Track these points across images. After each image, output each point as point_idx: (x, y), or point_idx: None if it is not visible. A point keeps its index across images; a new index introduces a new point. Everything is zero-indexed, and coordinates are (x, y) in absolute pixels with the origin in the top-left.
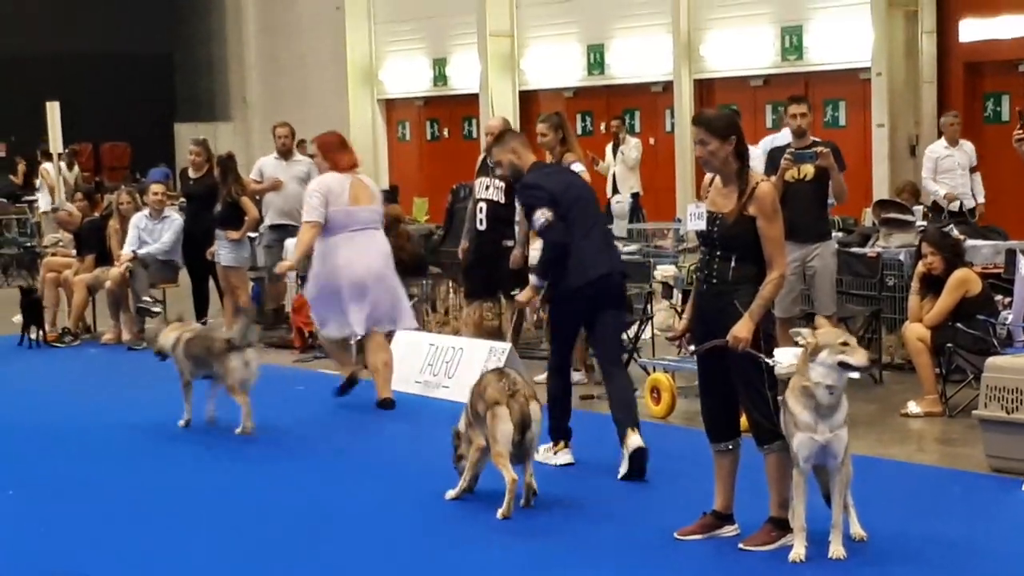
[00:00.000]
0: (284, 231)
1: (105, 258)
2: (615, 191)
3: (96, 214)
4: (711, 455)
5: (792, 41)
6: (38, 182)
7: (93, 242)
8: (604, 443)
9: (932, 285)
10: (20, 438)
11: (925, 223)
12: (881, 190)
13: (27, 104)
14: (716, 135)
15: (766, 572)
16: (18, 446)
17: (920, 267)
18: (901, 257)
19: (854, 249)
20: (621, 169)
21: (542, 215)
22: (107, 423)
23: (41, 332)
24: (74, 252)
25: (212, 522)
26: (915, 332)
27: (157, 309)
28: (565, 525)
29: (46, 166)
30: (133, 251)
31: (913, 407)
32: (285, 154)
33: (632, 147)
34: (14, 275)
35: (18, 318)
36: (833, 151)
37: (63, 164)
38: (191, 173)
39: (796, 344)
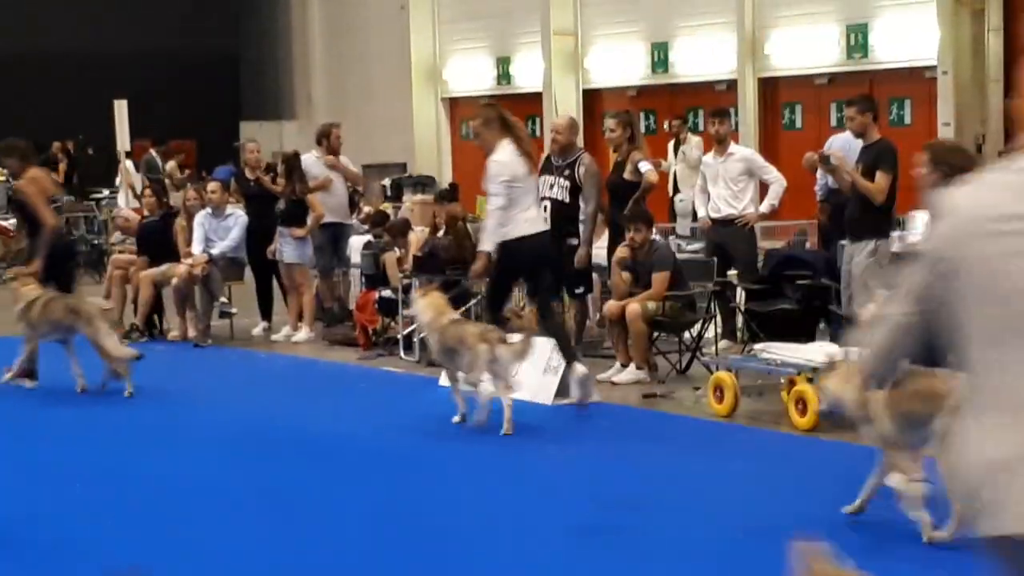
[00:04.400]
0: (334, 230)
1: (166, 256)
2: (676, 190)
3: (159, 211)
4: (772, 452)
5: (857, 39)
6: (118, 180)
7: (148, 243)
8: (670, 442)
9: None
10: (88, 433)
11: None
12: None
13: (95, 102)
14: None
15: None
16: (83, 440)
17: None
18: None
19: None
20: (682, 168)
21: None
22: (176, 421)
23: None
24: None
25: (274, 519)
26: None
27: (234, 310)
28: (627, 522)
29: (126, 164)
30: (208, 253)
31: None
32: (335, 154)
33: (694, 146)
34: (82, 273)
35: None
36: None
37: (159, 160)
38: (248, 173)
39: None
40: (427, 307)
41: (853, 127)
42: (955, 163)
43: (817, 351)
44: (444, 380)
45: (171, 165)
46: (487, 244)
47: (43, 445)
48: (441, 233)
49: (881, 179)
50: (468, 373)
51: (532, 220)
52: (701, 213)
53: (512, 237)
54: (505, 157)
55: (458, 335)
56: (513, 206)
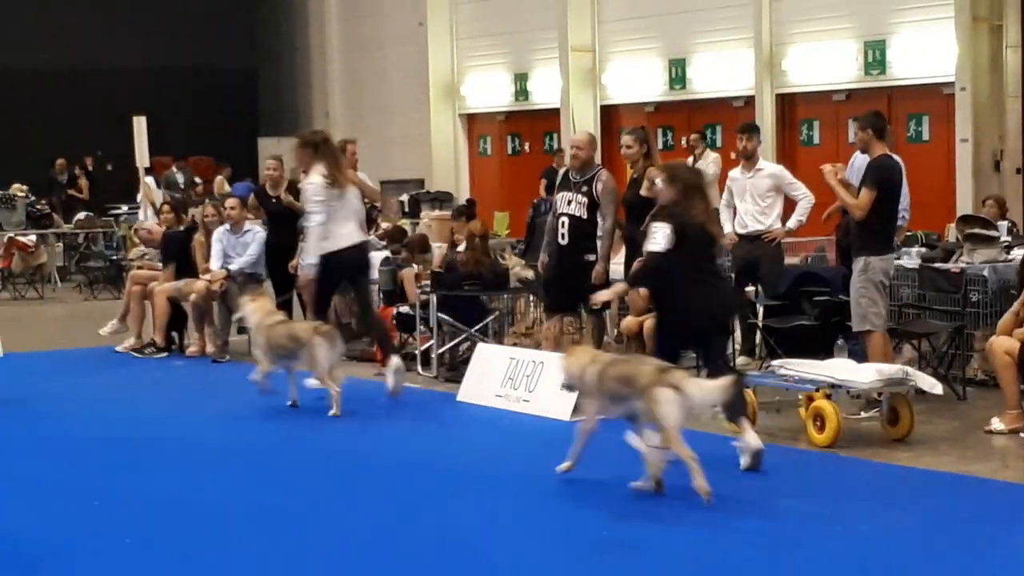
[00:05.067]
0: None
1: (188, 269)
2: None
3: (180, 227)
4: (790, 468)
5: (875, 55)
6: (139, 196)
7: (174, 251)
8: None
9: None
10: (106, 449)
11: (1010, 239)
12: (965, 205)
13: (114, 119)
14: None
15: None
16: (103, 457)
17: None
18: (985, 273)
19: (937, 264)
20: None
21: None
22: (191, 435)
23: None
24: (159, 264)
25: (291, 536)
26: (1003, 345)
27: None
28: (645, 537)
29: (146, 180)
30: (227, 269)
31: (997, 424)
32: (351, 170)
33: (710, 162)
34: (100, 288)
35: (106, 329)
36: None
37: (179, 176)
38: (269, 190)
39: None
40: (256, 310)
41: (856, 143)
42: (688, 180)
43: (835, 367)
44: (313, 382)
45: (219, 180)
46: (311, 257)
47: (54, 461)
48: (461, 248)
49: (863, 195)
50: (310, 367)
51: (349, 234)
52: (727, 229)
53: (332, 250)
54: (315, 179)
55: (289, 332)
56: (331, 222)
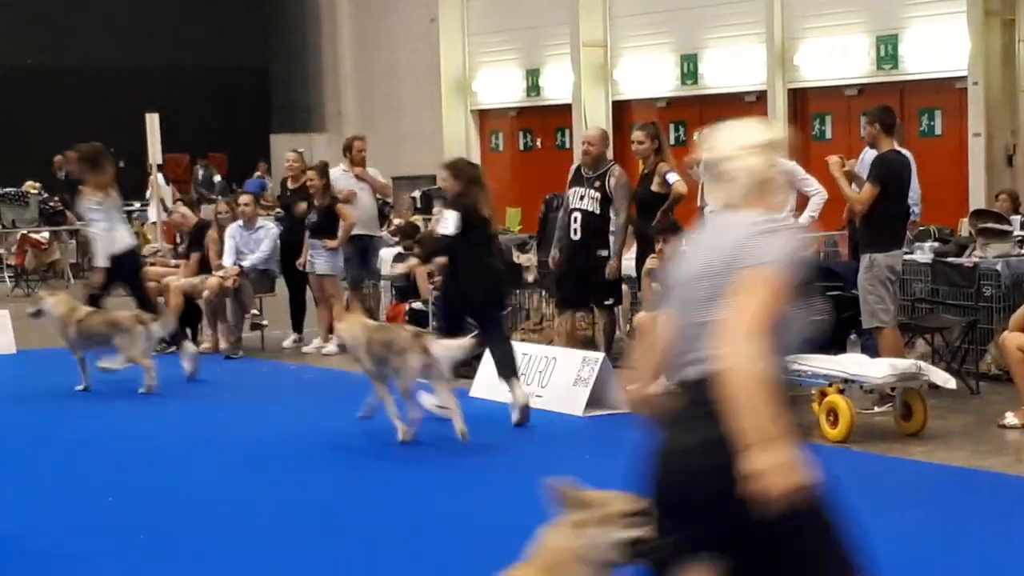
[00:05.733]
0: (361, 242)
1: (202, 266)
2: (703, 202)
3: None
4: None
5: (887, 50)
6: (148, 193)
7: (200, 243)
8: None
9: None
10: (120, 446)
11: (1023, 233)
12: (977, 200)
13: (127, 116)
14: None
15: None
16: (116, 454)
17: None
18: (998, 267)
19: (950, 259)
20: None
21: None
22: (204, 432)
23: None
24: (172, 261)
25: (306, 530)
26: (1015, 341)
27: (265, 322)
28: None
29: (157, 177)
30: (240, 265)
31: (1010, 418)
32: (358, 166)
33: None
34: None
35: None
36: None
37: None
38: (289, 184)
39: None
40: (58, 304)
41: (865, 138)
42: (470, 174)
43: (848, 362)
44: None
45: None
46: (101, 260)
47: (67, 458)
48: None
49: (865, 190)
50: (127, 352)
51: (124, 236)
52: None
53: (117, 251)
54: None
55: (108, 321)
56: (112, 227)
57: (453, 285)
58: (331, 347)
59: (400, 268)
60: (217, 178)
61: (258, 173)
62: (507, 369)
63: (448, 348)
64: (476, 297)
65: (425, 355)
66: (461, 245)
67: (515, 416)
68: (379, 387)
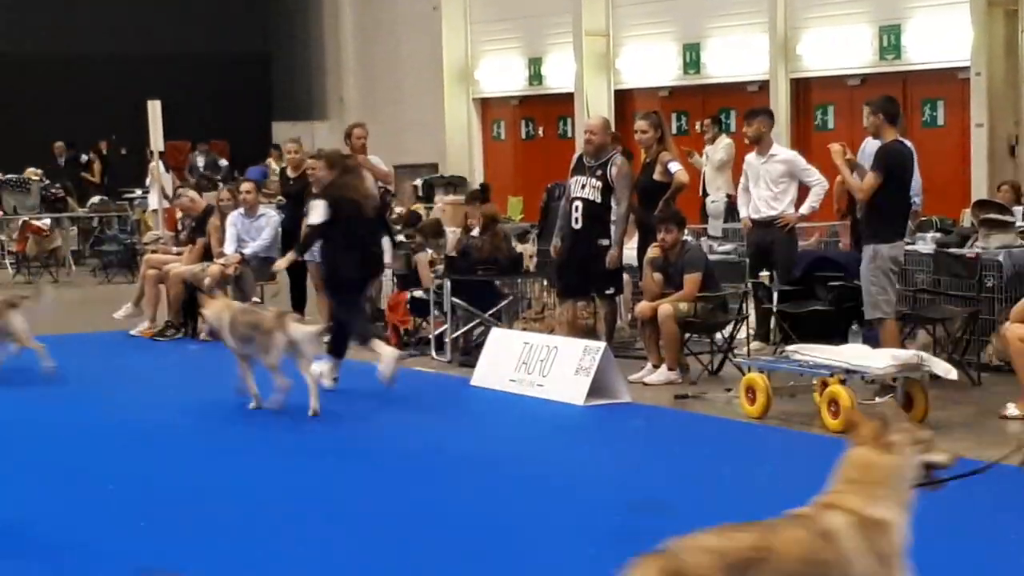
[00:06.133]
0: None
1: (203, 254)
2: (705, 192)
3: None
4: (804, 453)
5: (890, 40)
6: (148, 180)
7: (207, 228)
8: (701, 444)
9: None
10: (120, 433)
11: None
12: (980, 190)
13: (128, 103)
14: None
15: None
16: (117, 441)
17: None
18: (1000, 258)
19: (952, 250)
20: (710, 169)
21: None
22: (205, 419)
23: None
24: (174, 248)
25: (309, 520)
26: (1017, 332)
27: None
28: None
29: (158, 164)
30: (241, 253)
31: (1012, 409)
32: (357, 154)
33: (719, 149)
34: (114, 272)
35: (120, 313)
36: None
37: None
38: (290, 172)
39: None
40: None
41: (868, 128)
42: (343, 164)
43: (850, 352)
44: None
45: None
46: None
47: (68, 446)
48: (476, 232)
49: (868, 178)
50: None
51: None
52: (743, 213)
53: None
54: None
55: None
56: None
57: (329, 268)
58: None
59: (279, 265)
60: (223, 162)
61: (270, 160)
62: (363, 338)
63: (305, 331)
64: (351, 276)
65: (287, 334)
66: (332, 230)
67: (386, 371)
68: (242, 364)
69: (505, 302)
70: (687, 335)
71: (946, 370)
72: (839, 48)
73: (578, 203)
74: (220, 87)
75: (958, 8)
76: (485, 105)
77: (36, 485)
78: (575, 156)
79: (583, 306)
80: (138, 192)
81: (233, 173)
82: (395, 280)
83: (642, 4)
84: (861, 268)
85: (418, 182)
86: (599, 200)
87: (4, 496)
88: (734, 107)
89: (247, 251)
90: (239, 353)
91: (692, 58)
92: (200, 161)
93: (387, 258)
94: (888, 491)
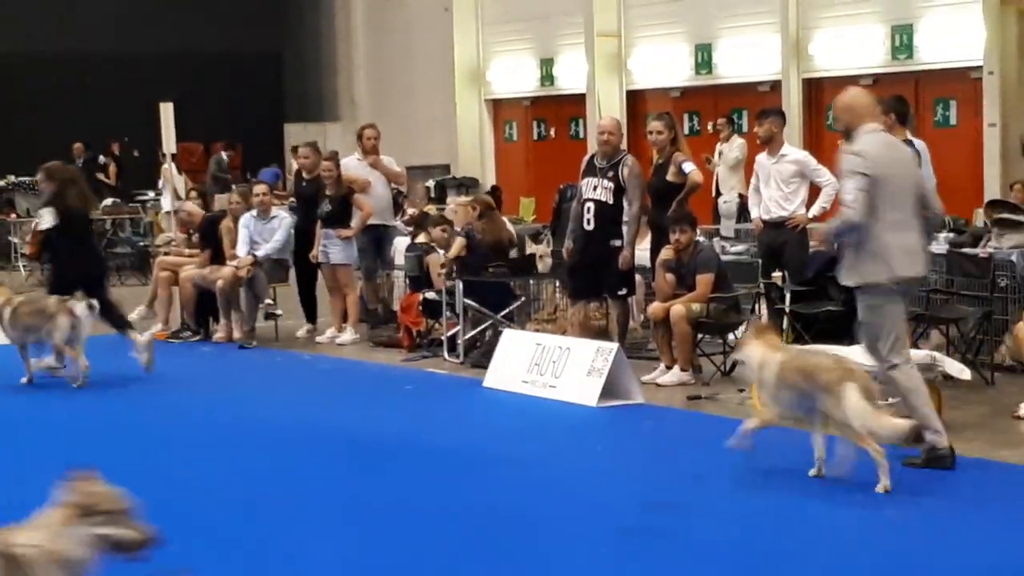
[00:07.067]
0: (376, 232)
1: (215, 256)
2: (719, 192)
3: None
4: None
5: (902, 40)
6: (160, 182)
7: (211, 237)
8: (714, 444)
9: None
10: (131, 435)
11: None
12: (992, 190)
13: (140, 105)
14: None
15: None
16: (130, 440)
17: None
18: (1013, 258)
19: (965, 250)
20: (723, 169)
21: None
22: (216, 420)
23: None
24: (186, 251)
25: (323, 520)
26: None
27: (279, 311)
28: (671, 524)
29: (170, 166)
30: (253, 255)
31: None
32: (368, 154)
33: (734, 148)
34: (127, 275)
35: (133, 316)
36: None
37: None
38: (304, 175)
39: None
40: None
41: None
42: (64, 176)
43: (862, 353)
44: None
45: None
46: None
47: (85, 443)
48: (475, 218)
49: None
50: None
51: None
52: (754, 214)
53: None
54: None
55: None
56: None
57: (56, 271)
58: (345, 337)
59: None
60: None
61: (291, 160)
62: (121, 324)
63: (85, 315)
64: (75, 278)
65: (72, 316)
66: (60, 237)
67: (142, 358)
68: (23, 352)
69: (517, 303)
70: (700, 336)
71: (960, 370)
72: (851, 48)
73: (590, 204)
74: (232, 88)
75: (970, 8)
76: (497, 106)
77: (42, 484)
78: (586, 158)
79: (595, 307)
80: (150, 194)
81: (245, 175)
82: (407, 281)
83: (654, 5)
84: None
85: (430, 183)
86: (611, 201)
87: (4, 494)
88: (746, 107)
89: (260, 253)
90: (17, 342)
91: (704, 58)
92: (221, 164)
93: (398, 259)
94: None
